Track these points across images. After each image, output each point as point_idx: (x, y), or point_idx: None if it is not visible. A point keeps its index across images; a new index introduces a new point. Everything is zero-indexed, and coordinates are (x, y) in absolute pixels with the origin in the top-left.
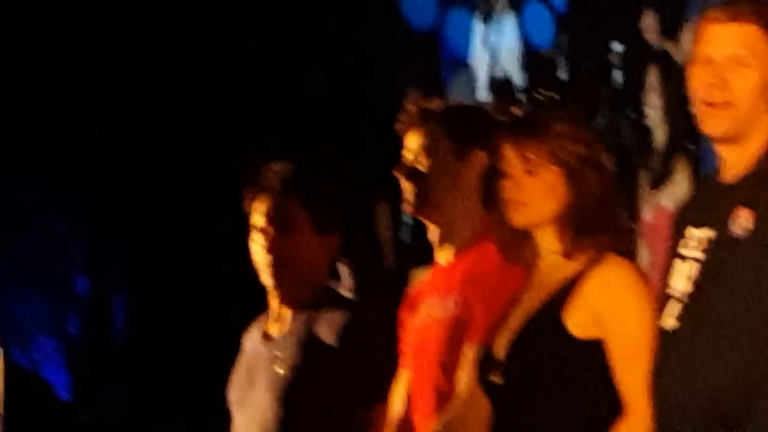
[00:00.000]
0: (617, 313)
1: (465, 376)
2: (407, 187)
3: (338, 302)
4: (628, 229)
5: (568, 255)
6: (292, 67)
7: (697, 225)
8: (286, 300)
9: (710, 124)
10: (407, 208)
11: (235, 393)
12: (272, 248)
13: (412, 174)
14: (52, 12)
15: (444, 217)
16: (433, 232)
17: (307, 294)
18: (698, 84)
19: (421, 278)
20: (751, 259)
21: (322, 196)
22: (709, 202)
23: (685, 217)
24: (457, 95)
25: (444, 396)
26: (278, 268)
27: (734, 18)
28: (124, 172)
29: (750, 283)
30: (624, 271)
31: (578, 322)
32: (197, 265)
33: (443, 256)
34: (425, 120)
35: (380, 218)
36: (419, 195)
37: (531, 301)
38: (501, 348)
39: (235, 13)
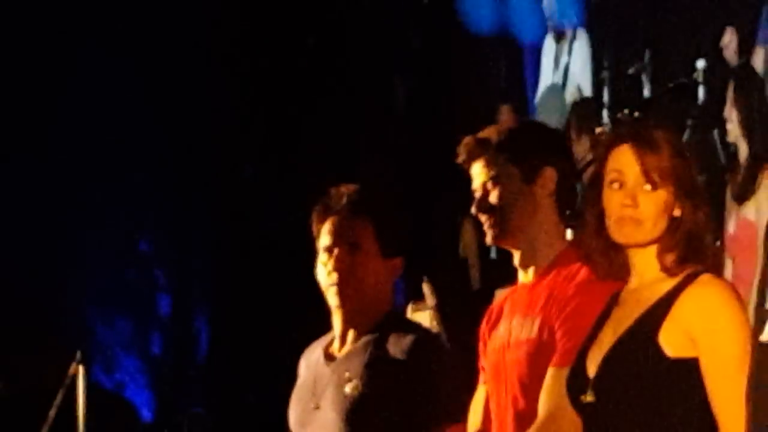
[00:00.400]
0: (712, 332)
1: (548, 400)
2: (484, 220)
3: (405, 325)
4: (717, 247)
5: (670, 274)
6: (374, 84)
7: None
8: (350, 320)
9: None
10: (488, 240)
11: (297, 415)
12: (339, 266)
13: (484, 206)
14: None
15: (525, 241)
16: (516, 256)
17: (371, 315)
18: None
19: (503, 295)
20: None
21: (388, 218)
22: None
23: None
24: (542, 115)
25: (523, 418)
26: (344, 286)
27: None
28: (207, 192)
29: None
30: (718, 290)
31: (672, 340)
32: (278, 285)
33: (526, 276)
34: (484, 150)
35: (466, 237)
36: (496, 225)
37: (625, 319)
38: (593, 365)
39: (313, 24)
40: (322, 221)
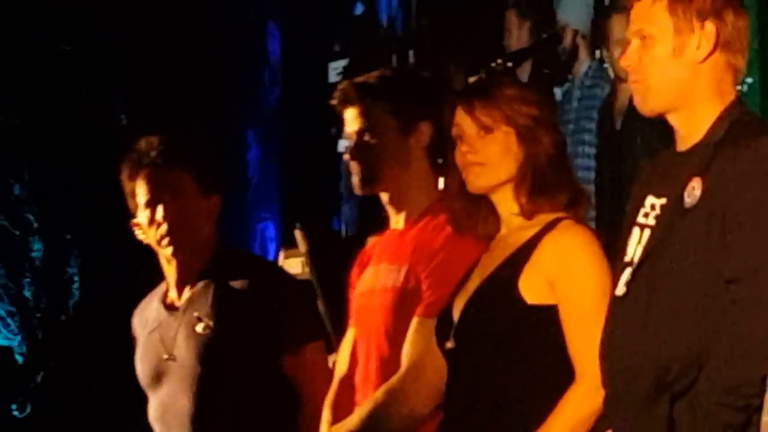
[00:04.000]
0: (569, 278)
1: (411, 350)
2: (354, 167)
3: (240, 258)
4: (582, 189)
5: (526, 215)
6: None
7: (655, 193)
8: (185, 266)
9: (636, 102)
10: (356, 189)
11: (149, 371)
12: (166, 216)
13: (358, 154)
14: None
15: (395, 190)
16: (386, 202)
17: (204, 256)
18: (621, 64)
19: (374, 241)
20: (699, 227)
21: (202, 158)
22: (665, 171)
23: (644, 186)
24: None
25: (387, 365)
26: (176, 235)
27: None
28: (80, 138)
29: (696, 250)
30: (577, 236)
31: (531, 287)
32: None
33: (397, 223)
34: (362, 96)
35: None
36: (366, 174)
37: (490, 265)
38: (457, 311)
39: None
40: (134, 177)
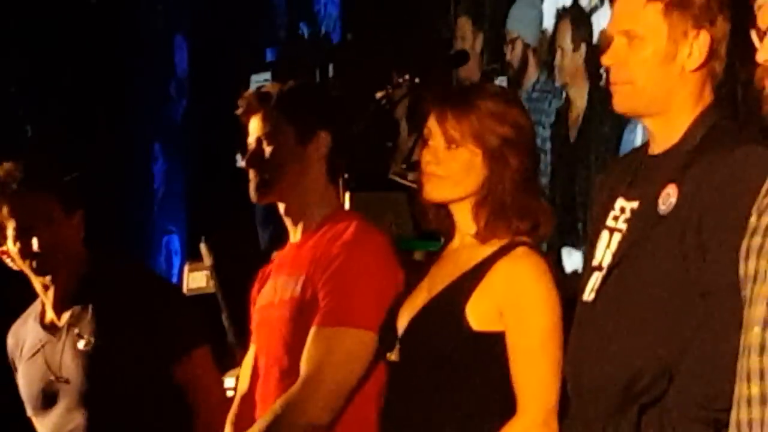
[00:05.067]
0: (519, 308)
1: (308, 360)
2: (252, 175)
3: (113, 271)
4: (547, 214)
5: (482, 238)
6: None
7: (626, 196)
8: (62, 287)
9: (615, 101)
10: (252, 197)
11: (36, 397)
12: (40, 243)
13: (255, 161)
14: None
15: (292, 201)
16: (283, 211)
17: (77, 272)
18: (603, 62)
19: (275, 256)
20: (673, 236)
21: (63, 181)
22: (637, 174)
23: (613, 188)
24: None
25: (287, 377)
26: (49, 260)
27: None
28: None
29: (669, 259)
30: (531, 265)
31: (480, 313)
32: None
33: (295, 236)
34: (262, 105)
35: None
36: (263, 182)
37: (440, 280)
38: (403, 323)
39: None
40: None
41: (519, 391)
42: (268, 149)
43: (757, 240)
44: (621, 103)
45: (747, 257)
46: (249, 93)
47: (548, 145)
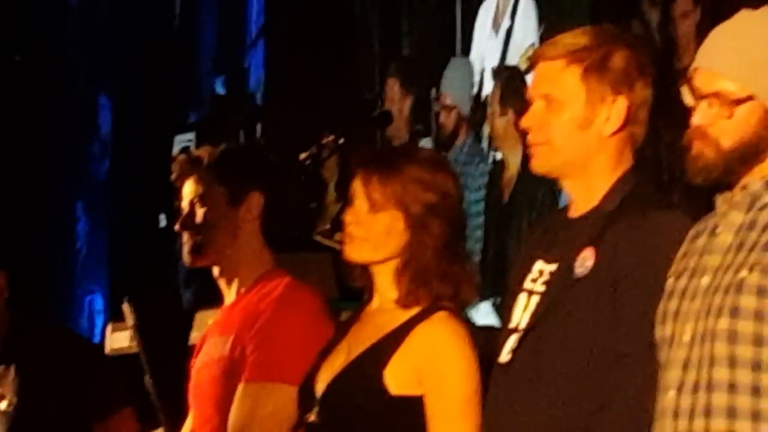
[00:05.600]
0: (438, 373)
1: (235, 417)
2: (185, 238)
3: (35, 333)
4: (471, 280)
5: (402, 303)
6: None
7: (545, 259)
8: None
9: (533, 162)
10: (186, 260)
11: None
12: None
13: (188, 224)
14: None
15: (225, 263)
16: (217, 274)
17: (2, 331)
18: (521, 125)
19: (211, 318)
20: (589, 299)
21: None
22: (555, 236)
23: (532, 250)
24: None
25: None
26: None
27: (544, 57)
28: None
29: (585, 322)
30: (450, 331)
31: (398, 377)
32: None
33: (229, 297)
34: (195, 168)
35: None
36: (195, 245)
37: (360, 342)
38: (322, 385)
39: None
40: None
41: None
42: (200, 211)
43: (674, 303)
44: (539, 164)
45: (664, 321)
46: (181, 157)
47: (474, 209)
